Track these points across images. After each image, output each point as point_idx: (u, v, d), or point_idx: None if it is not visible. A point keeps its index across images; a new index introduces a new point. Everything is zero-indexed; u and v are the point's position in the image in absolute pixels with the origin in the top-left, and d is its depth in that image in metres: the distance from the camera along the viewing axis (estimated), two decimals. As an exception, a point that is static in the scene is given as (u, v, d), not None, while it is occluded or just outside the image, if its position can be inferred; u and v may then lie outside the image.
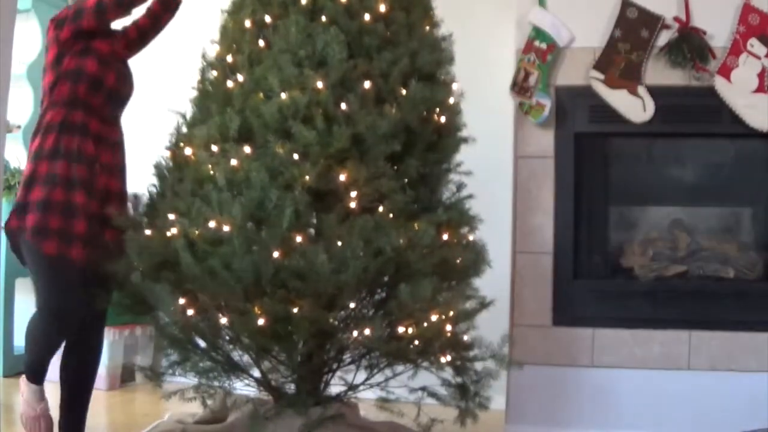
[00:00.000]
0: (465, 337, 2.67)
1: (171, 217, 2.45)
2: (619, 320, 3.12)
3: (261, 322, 2.29)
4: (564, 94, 3.20)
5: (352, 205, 2.38)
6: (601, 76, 3.14)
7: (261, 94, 2.48)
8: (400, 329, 2.37)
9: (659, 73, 3.14)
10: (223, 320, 2.38)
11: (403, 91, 2.53)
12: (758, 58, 3.08)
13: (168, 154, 2.68)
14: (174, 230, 2.42)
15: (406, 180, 2.54)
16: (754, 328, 3.07)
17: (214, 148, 2.48)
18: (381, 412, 2.74)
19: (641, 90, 3.12)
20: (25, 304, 4.28)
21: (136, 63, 4.50)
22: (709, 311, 3.11)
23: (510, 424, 3.15)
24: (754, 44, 3.08)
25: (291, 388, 2.66)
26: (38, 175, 2.54)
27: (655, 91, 3.11)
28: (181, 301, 2.39)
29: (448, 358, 2.60)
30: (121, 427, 3.21)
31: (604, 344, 3.14)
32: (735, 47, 3.09)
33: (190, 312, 2.39)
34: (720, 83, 3.08)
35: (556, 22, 3.16)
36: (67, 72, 2.60)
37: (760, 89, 3.07)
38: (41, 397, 2.71)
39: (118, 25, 2.86)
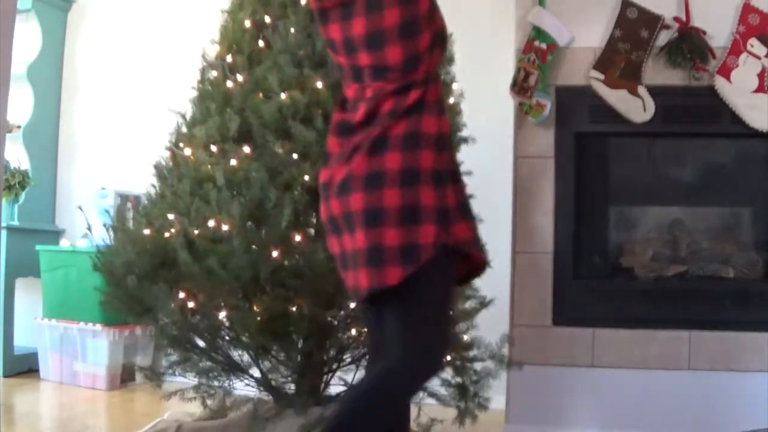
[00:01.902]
0: (465, 337, 2.67)
1: (170, 216, 2.45)
2: (619, 320, 3.11)
3: (259, 319, 2.29)
4: (564, 94, 3.20)
5: (352, 204, 2.38)
6: (601, 76, 3.13)
7: (261, 94, 2.49)
8: (400, 329, 2.37)
9: (659, 73, 3.13)
10: (222, 318, 2.38)
11: (403, 91, 2.52)
12: (758, 58, 3.08)
13: (168, 154, 2.68)
14: (173, 230, 2.42)
15: (405, 180, 2.53)
16: (754, 328, 3.06)
17: (214, 148, 2.49)
18: (381, 412, 2.74)
19: (641, 90, 3.11)
20: (25, 304, 4.29)
21: (135, 63, 4.52)
22: (709, 311, 3.11)
23: (510, 424, 3.14)
24: (754, 44, 3.07)
25: (291, 388, 2.66)
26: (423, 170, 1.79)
27: (655, 91, 3.11)
28: (180, 297, 2.39)
29: (448, 358, 2.61)
30: (121, 427, 3.21)
31: (604, 344, 3.13)
32: (735, 47, 3.08)
33: (189, 309, 2.40)
34: (720, 83, 3.08)
35: (556, 22, 3.15)
36: (437, 35, 1.87)
37: (760, 89, 3.07)
38: None
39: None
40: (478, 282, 2.71)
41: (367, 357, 1.97)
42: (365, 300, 1.83)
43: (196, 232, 2.38)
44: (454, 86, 2.76)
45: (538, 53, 3.15)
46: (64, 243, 4.21)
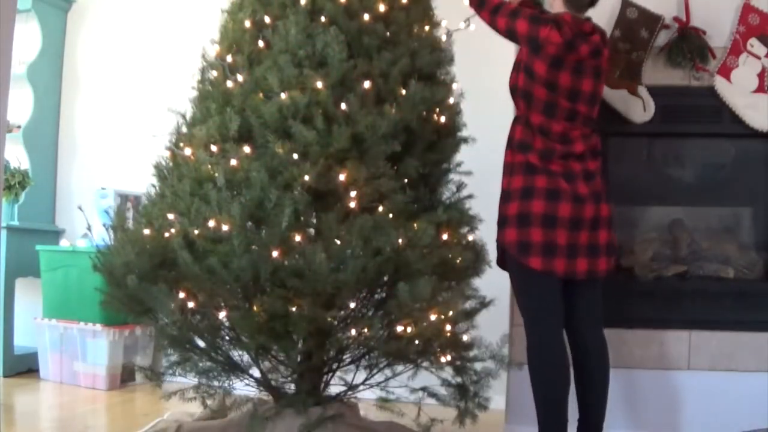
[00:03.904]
0: (465, 337, 2.67)
1: (170, 216, 2.45)
2: (619, 320, 3.11)
3: (259, 319, 2.29)
4: (564, 94, 3.19)
5: (352, 204, 2.38)
6: (601, 76, 3.13)
7: (261, 94, 2.48)
8: (400, 329, 2.38)
9: (659, 73, 3.14)
10: (222, 318, 2.38)
11: (403, 91, 2.53)
12: (758, 58, 3.08)
13: (168, 154, 2.68)
14: (173, 230, 2.42)
15: (405, 180, 2.54)
16: (754, 328, 3.07)
17: (214, 148, 2.48)
18: (381, 412, 2.75)
19: (641, 90, 3.12)
20: (25, 304, 4.29)
21: (135, 63, 4.52)
22: (709, 311, 3.11)
23: (510, 424, 3.14)
24: (754, 44, 3.08)
25: (291, 388, 2.66)
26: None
27: (655, 91, 3.11)
28: (180, 296, 2.38)
29: (448, 358, 2.61)
30: (121, 427, 3.21)
31: (604, 344, 3.13)
32: (735, 47, 3.09)
33: (189, 309, 2.39)
34: (720, 83, 3.08)
35: (556, 22, 3.15)
36: None
37: (760, 89, 3.07)
38: None
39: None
40: (478, 282, 2.72)
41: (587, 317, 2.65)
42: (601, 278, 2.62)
43: (196, 232, 2.37)
44: (454, 86, 2.76)
45: (538, 53, 3.14)
46: (64, 243, 4.21)
